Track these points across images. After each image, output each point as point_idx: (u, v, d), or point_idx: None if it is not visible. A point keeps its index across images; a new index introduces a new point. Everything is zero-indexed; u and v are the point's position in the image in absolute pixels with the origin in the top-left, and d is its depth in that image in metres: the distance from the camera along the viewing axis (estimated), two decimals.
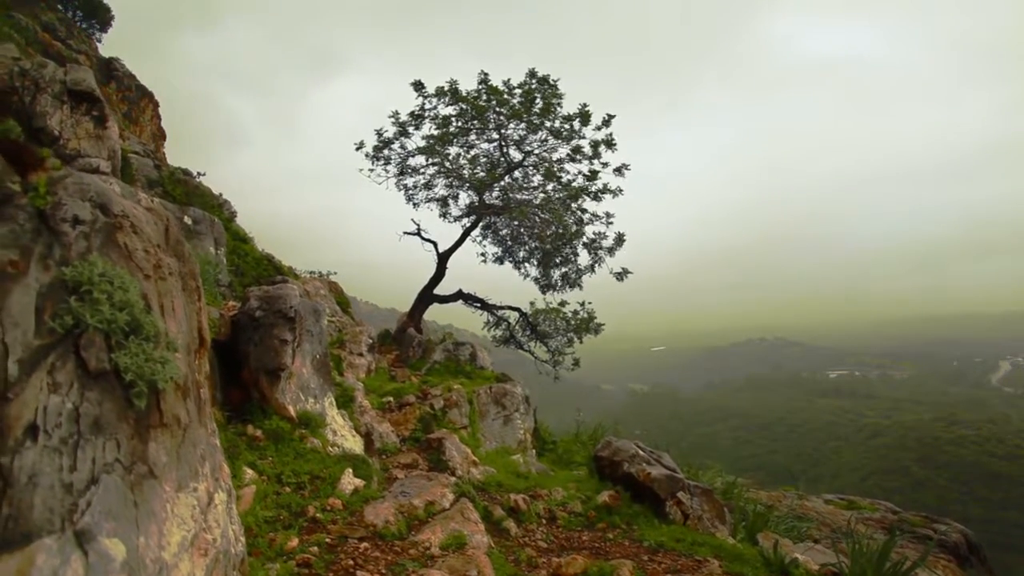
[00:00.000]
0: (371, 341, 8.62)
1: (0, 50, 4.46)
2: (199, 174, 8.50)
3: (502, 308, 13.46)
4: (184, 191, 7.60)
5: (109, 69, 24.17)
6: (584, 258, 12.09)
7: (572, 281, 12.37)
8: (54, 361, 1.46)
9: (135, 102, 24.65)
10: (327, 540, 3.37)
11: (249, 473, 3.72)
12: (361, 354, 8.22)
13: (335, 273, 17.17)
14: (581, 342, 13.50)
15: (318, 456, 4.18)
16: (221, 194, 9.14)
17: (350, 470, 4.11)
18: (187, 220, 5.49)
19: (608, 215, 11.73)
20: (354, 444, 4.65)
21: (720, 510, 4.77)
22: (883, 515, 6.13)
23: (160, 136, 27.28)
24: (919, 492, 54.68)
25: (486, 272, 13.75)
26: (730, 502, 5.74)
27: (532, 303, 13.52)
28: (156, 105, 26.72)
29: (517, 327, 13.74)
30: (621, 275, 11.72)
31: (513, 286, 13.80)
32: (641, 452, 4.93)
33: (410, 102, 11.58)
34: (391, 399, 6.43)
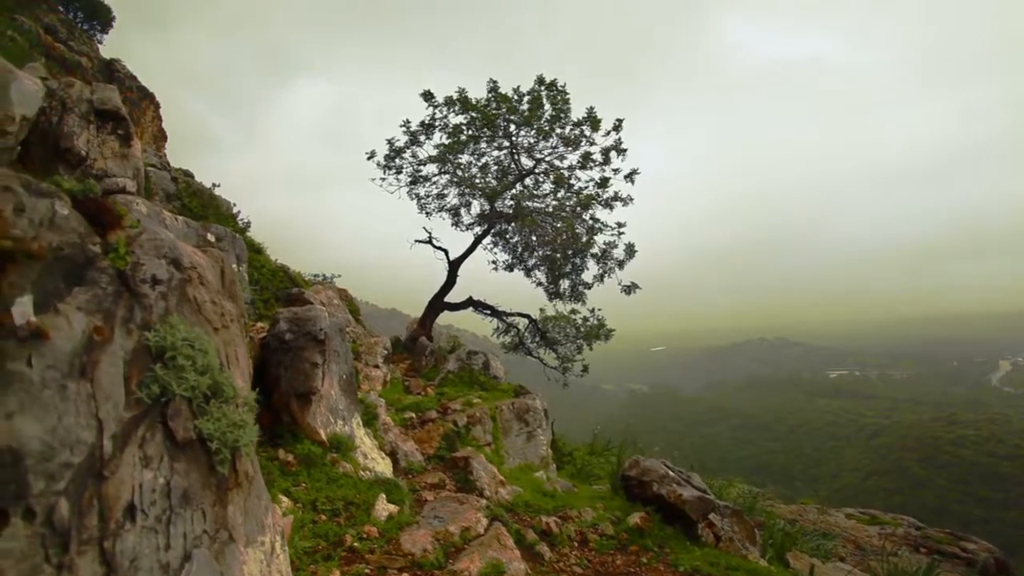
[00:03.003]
0: (386, 352, 8.58)
1: (27, 70, 4.41)
2: (214, 185, 8.46)
3: (512, 315, 13.43)
4: (200, 203, 7.55)
5: (110, 70, 24.09)
6: (592, 269, 12.04)
7: (578, 294, 12.32)
8: (144, 434, 1.42)
9: (136, 104, 24.56)
10: (367, 571, 3.34)
11: (285, 501, 3.69)
12: (377, 366, 8.18)
13: (339, 276, 17.07)
14: (591, 349, 13.47)
15: (351, 481, 4.15)
16: (234, 204, 9.11)
17: (383, 495, 4.07)
18: (210, 237, 5.45)
19: (620, 225, 11.68)
20: (384, 467, 4.62)
21: (750, 531, 4.75)
22: (906, 531, 6.11)
23: (161, 138, 27.16)
24: (919, 492, 54.83)
25: (495, 278, 13.73)
26: (756, 518, 5.72)
27: (542, 310, 13.51)
28: (157, 107, 26.61)
29: (526, 334, 13.71)
30: (629, 289, 11.66)
31: (523, 293, 13.79)
32: (670, 472, 4.91)
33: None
34: (413, 415, 6.39)
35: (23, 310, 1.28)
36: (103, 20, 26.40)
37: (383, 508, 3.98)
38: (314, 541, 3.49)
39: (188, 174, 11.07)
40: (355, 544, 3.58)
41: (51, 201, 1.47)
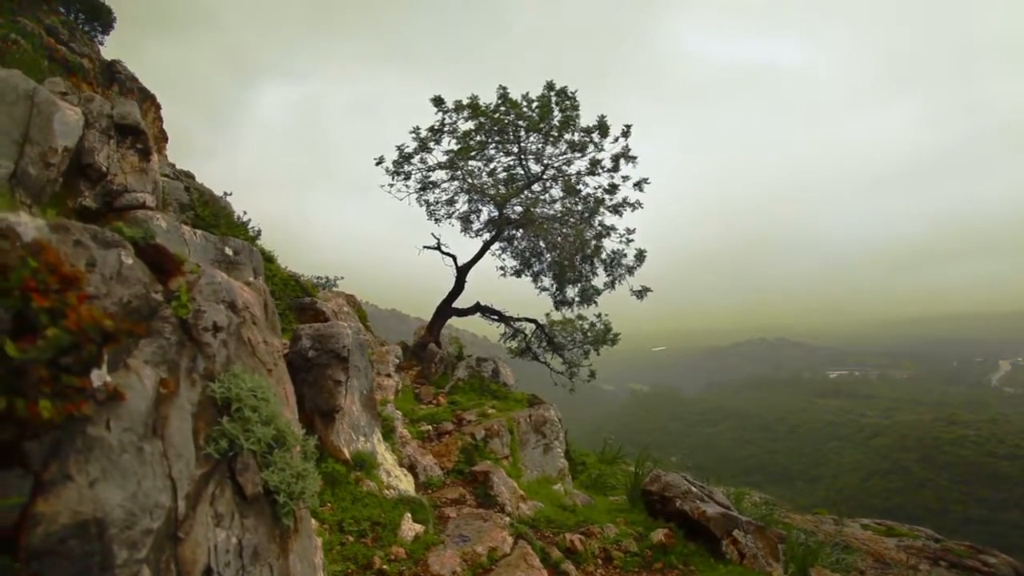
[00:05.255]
0: (398, 361, 8.55)
1: (48, 85, 4.38)
2: (226, 194, 8.42)
3: (519, 320, 13.42)
4: (212, 212, 7.51)
5: (112, 71, 23.99)
6: (602, 275, 12.00)
7: (588, 298, 12.29)
8: (214, 490, 1.40)
9: (138, 105, 24.46)
10: None
11: (312, 523, 3.66)
12: (389, 375, 8.15)
13: (342, 278, 16.94)
14: (598, 354, 13.47)
15: (375, 500, 4.12)
16: (245, 212, 9.06)
17: (409, 515, 4.05)
18: (228, 251, 5.42)
19: (629, 231, 11.65)
20: (407, 485, 4.59)
21: (774, 547, 4.72)
22: (924, 543, 6.10)
23: (162, 139, 27.04)
24: (920, 493, 54.82)
25: (502, 283, 13.70)
26: (776, 530, 5.69)
27: (548, 315, 13.50)
28: (158, 107, 26.53)
29: (533, 339, 13.69)
30: (641, 293, 11.62)
31: (530, 298, 13.76)
32: (692, 488, 4.89)
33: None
34: (429, 427, 6.37)
35: (99, 372, 1.25)
36: (104, 21, 26.30)
37: (409, 528, 3.95)
38: (343, 564, 3.47)
39: (189, 175, 10.99)
40: (384, 567, 3.55)
41: (117, 252, 1.44)
